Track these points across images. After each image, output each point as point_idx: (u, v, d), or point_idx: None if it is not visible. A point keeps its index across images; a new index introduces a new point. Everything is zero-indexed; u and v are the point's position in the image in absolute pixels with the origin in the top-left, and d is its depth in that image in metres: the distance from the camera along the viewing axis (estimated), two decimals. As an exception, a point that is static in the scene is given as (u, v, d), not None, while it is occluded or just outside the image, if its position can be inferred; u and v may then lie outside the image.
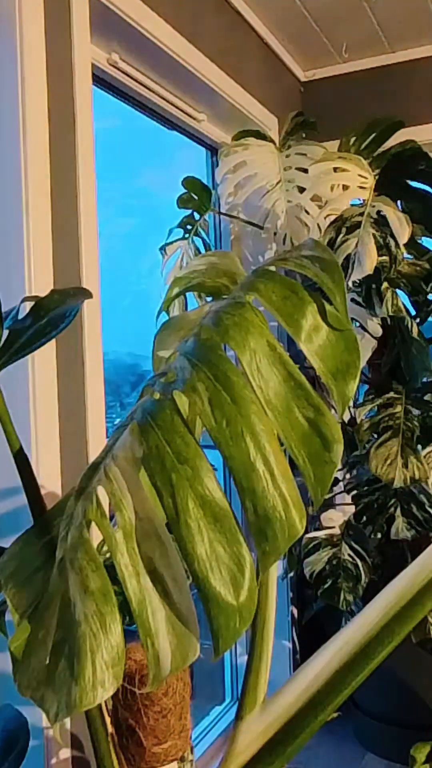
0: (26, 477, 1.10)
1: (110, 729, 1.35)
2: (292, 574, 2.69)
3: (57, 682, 0.75)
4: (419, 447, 2.47)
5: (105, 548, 1.23)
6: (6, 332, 1.16)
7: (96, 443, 1.83)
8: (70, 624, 0.76)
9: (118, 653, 0.74)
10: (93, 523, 0.79)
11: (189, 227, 2.69)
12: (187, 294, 1.84)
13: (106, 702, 1.43)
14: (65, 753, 1.67)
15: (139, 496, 0.79)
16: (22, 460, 1.10)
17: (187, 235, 2.69)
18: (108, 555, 0.79)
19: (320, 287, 0.88)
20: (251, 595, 0.75)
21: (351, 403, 2.67)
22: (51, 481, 1.66)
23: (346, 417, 2.69)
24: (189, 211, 2.72)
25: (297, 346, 0.85)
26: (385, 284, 2.38)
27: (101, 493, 0.79)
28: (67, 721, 1.68)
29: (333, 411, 0.86)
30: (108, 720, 1.26)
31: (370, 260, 2.16)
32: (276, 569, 1.11)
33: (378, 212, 2.23)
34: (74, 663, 0.74)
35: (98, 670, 0.73)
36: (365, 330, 2.55)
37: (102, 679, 0.73)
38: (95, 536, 0.80)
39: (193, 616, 0.79)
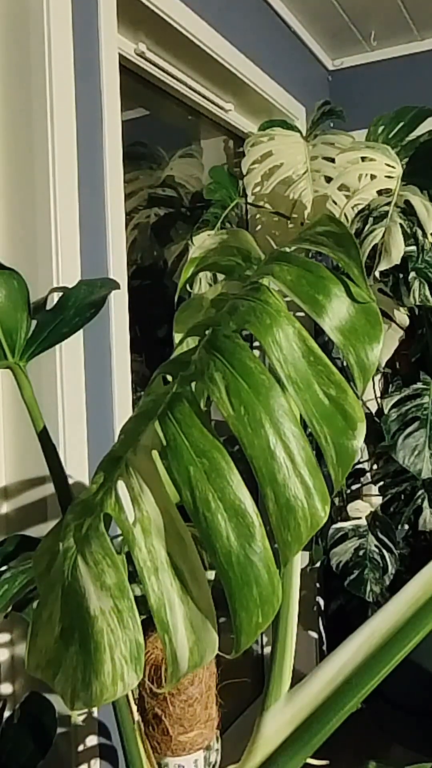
0: (54, 466, 1.11)
1: (137, 717, 1.36)
2: (318, 564, 2.69)
3: (67, 663, 0.75)
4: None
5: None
6: (34, 323, 1.17)
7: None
8: (78, 614, 0.75)
9: (137, 647, 0.74)
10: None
11: (216, 217, 2.67)
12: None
13: (132, 690, 1.44)
14: (92, 740, 1.69)
15: (158, 490, 0.78)
16: (49, 449, 1.10)
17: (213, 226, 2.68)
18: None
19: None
20: (274, 590, 0.74)
21: (378, 393, 2.66)
22: (78, 471, 1.67)
23: (374, 408, 2.68)
24: (216, 201, 2.71)
25: (323, 338, 0.85)
26: (412, 274, 2.36)
27: (120, 486, 0.78)
28: (95, 709, 1.69)
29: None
30: (135, 708, 1.27)
31: (397, 250, 2.14)
32: (299, 559, 1.11)
33: (405, 201, 2.21)
34: (90, 654, 0.74)
35: (117, 665, 0.73)
36: (392, 320, 2.53)
37: (122, 673, 0.73)
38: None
39: (212, 613, 0.78)
